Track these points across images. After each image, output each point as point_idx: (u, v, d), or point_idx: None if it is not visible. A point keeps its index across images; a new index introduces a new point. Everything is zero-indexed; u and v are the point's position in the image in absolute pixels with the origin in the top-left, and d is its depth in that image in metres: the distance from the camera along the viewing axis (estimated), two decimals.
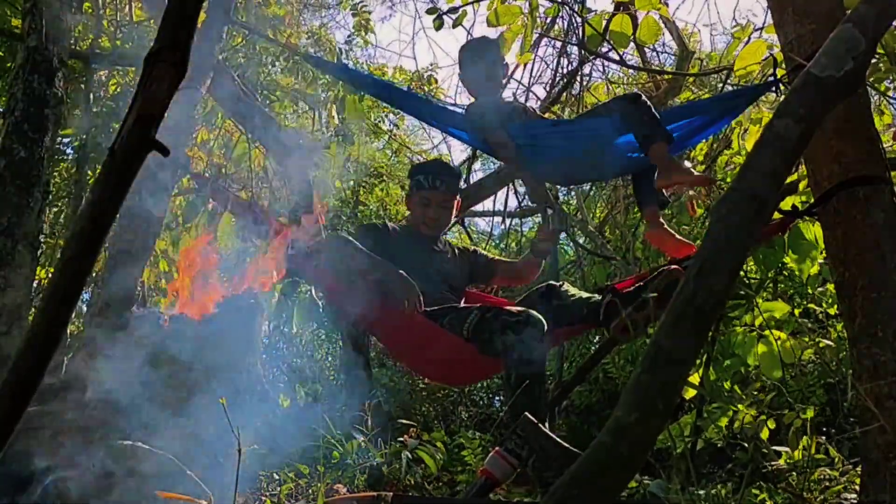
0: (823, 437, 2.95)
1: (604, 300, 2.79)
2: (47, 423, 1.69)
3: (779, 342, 3.10)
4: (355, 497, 1.95)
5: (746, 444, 3.18)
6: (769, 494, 2.46)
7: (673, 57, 6.50)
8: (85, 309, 4.71)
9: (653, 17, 3.46)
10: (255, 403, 1.90)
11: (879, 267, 2.15)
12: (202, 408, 1.70)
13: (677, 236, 3.23)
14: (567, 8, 4.62)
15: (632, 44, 3.72)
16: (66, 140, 5.60)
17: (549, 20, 4.83)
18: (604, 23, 3.70)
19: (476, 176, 6.15)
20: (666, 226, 3.24)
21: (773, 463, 2.76)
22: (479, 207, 6.25)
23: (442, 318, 2.84)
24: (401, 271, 2.80)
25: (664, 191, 3.15)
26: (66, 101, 3.42)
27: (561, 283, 3.14)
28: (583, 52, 4.82)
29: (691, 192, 5.19)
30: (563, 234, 2.76)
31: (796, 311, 3.53)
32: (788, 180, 2.97)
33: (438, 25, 3.94)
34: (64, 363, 3.81)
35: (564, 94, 5.43)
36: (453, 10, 3.94)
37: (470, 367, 2.97)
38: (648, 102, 2.98)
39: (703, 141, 5.10)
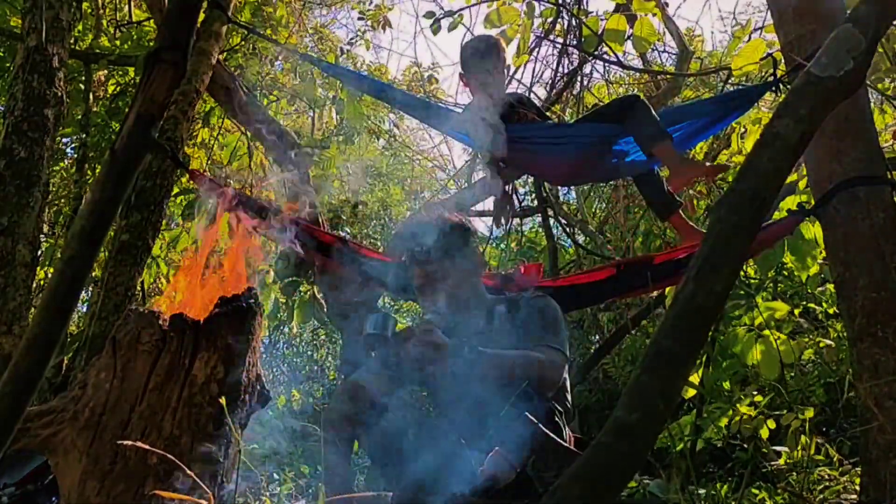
0: (823, 437, 2.95)
1: None
2: None
3: (778, 342, 3.10)
4: (355, 497, 1.95)
5: (746, 445, 3.18)
6: (769, 494, 2.46)
7: (673, 57, 6.50)
8: (85, 309, 4.71)
9: (648, 19, 3.47)
10: None
11: (879, 267, 2.15)
12: None
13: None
14: (565, 10, 4.62)
15: (632, 44, 3.72)
16: (66, 140, 5.61)
17: (549, 21, 4.83)
18: (601, 24, 3.70)
19: (478, 175, 6.15)
20: (693, 225, 3.17)
21: (773, 463, 2.77)
22: (479, 208, 6.26)
23: None
24: None
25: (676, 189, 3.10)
26: (66, 101, 3.42)
27: None
28: (582, 52, 4.82)
29: (691, 192, 5.20)
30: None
31: (796, 312, 3.53)
32: (788, 180, 2.97)
33: (436, 30, 3.95)
34: (64, 363, 3.81)
35: (565, 93, 5.43)
36: (450, 13, 3.95)
37: None
38: (647, 104, 2.96)
39: (703, 140, 5.11)
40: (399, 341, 2.02)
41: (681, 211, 3.14)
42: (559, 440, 1.89)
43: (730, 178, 4.62)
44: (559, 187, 5.99)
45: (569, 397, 2.26)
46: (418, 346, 1.99)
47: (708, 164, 2.91)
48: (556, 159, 3.15)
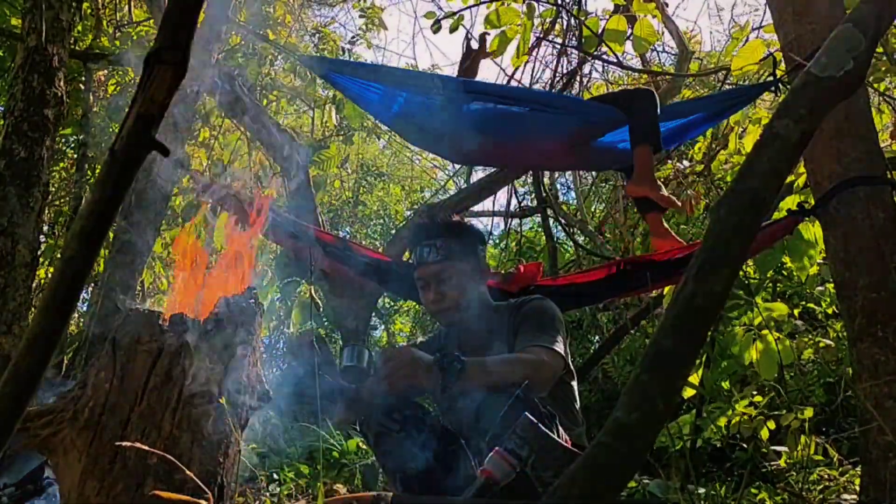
0: (823, 437, 2.95)
1: None
2: None
3: (778, 342, 3.10)
4: (355, 497, 1.95)
5: (746, 445, 3.18)
6: (769, 494, 2.46)
7: (673, 57, 6.50)
8: (85, 308, 4.71)
9: (647, 20, 3.48)
10: None
11: (879, 267, 2.15)
12: None
13: (678, 238, 3.21)
14: (565, 11, 4.63)
15: (632, 44, 3.73)
16: (66, 140, 5.61)
17: (549, 21, 4.84)
18: (601, 24, 3.71)
19: (477, 175, 6.15)
20: (668, 228, 3.20)
21: (772, 463, 2.77)
22: (479, 207, 6.26)
23: None
24: None
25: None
26: (66, 101, 3.42)
27: None
28: (581, 53, 4.82)
29: (690, 192, 5.20)
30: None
31: (795, 312, 3.53)
32: (788, 180, 2.97)
33: (436, 29, 3.95)
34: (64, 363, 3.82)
35: (564, 94, 5.43)
36: (450, 14, 3.95)
37: None
38: (656, 102, 2.94)
39: (701, 137, 5.12)
40: (377, 368, 1.96)
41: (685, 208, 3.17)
42: (559, 440, 1.89)
43: (728, 178, 4.62)
44: (558, 189, 6.00)
45: (576, 405, 2.21)
46: (395, 371, 1.90)
47: (666, 194, 2.93)
48: (551, 132, 3.10)
